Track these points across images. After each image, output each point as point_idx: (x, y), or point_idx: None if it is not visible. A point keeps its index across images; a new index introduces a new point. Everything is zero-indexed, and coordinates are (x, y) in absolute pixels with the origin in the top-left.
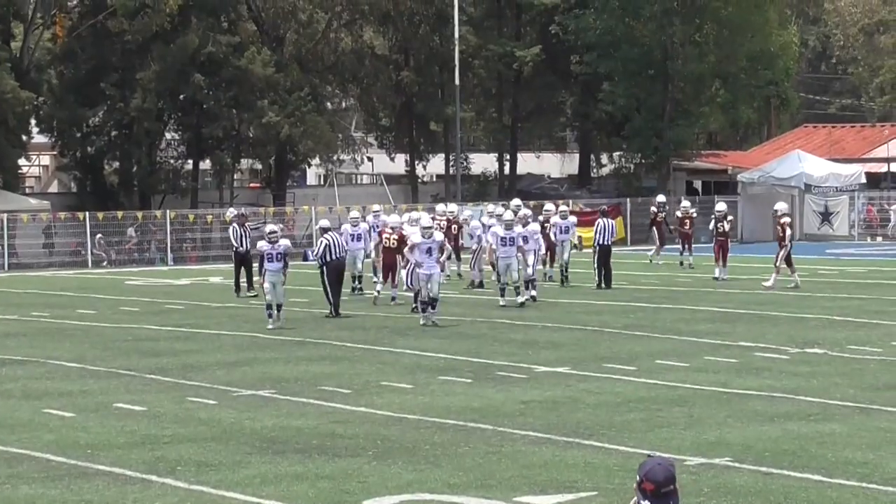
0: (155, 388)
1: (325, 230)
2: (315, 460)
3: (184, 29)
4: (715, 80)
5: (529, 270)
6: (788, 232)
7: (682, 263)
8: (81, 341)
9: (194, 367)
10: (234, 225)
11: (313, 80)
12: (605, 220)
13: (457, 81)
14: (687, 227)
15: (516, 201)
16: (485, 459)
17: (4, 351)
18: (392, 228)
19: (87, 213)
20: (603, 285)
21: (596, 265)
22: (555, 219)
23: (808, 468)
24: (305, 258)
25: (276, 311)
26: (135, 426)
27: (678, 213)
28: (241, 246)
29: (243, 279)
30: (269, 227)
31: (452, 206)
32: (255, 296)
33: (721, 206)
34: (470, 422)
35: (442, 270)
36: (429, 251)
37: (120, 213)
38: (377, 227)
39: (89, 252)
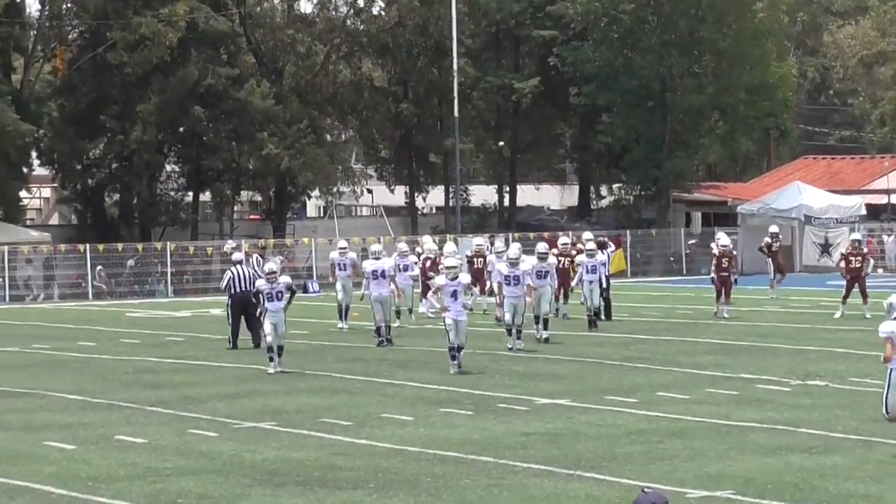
0: (156, 421)
1: (234, 263)
2: (316, 493)
3: (183, 61)
4: (713, 111)
5: (545, 307)
6: (872, 262)
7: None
8: (82, 373)
9: (195, 400)
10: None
11: (312, 113)
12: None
13: (456, 113)
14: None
15: (516, 249)
16: (486, 492)
17: (5, 383)
18: (429, 258)
19: (87, 245)
20: (603, 317)
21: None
22: (580, 258)
23: (811, 501)
24: (305, 290)
25: (276, 355)
26: (136, 458)
27: (714, 252)
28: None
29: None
30: (267, 267)
31: (479, 240)
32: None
33: (725, 242)
34: (471, 454)
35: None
36: (454, 294)
37: (120, 245)
38: (342, 264)
39: (90, 284)
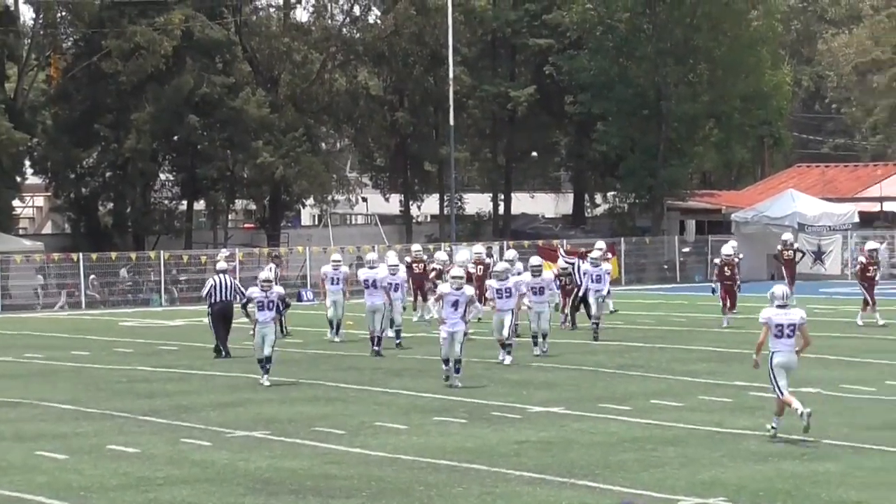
0: (149, 430)
1: (217, 271)
2: (309, 501)
3: (178, 70)
4: (708, 119)
5: (545, 325)
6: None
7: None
8: (75, 383)
9: (188, 409)
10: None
11: (308, 121)
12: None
13: (451, 122)
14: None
15: (503, 264)
16: (479, 500)
17: None
18: (435, 269)
19: (80, 255)
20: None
21: (572, 307)
22: (585, 266)
23: None
24: (300, 298)
25: (268, 366)
26: (128, 468)
27: (717, 261)
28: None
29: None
30: (262, 275)
31: (479, 248)
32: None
33: (728, 251)
34: (464, 462)
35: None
36: (455, 305)
37: (114, 254)
38: (335, 278)
39: (83, 293)
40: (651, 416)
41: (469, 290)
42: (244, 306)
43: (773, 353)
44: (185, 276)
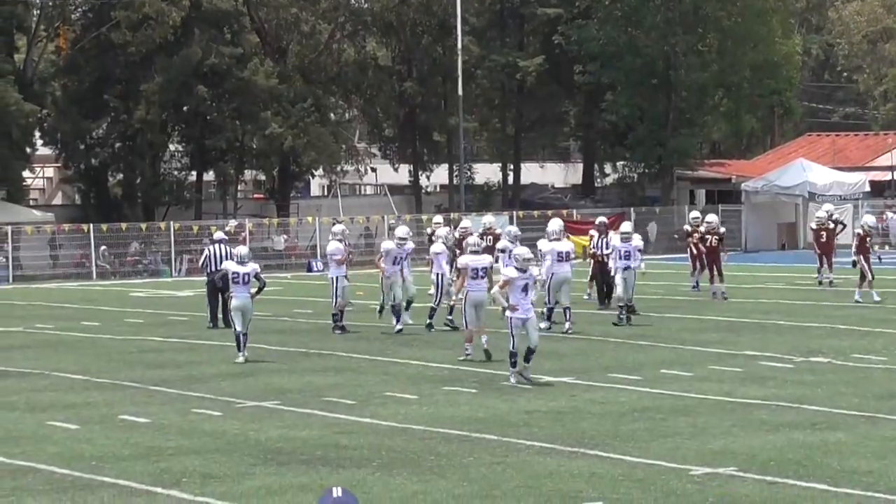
0: (159, 400)
1: (213, 241)
2: (319, 471)
3: (187, 41)
4: (718, 89)
5: (565, 299)
6: None
7: (820, 283)
8: (86, 353)
9: (198, 379)
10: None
11: (316, 91)
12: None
13: (460, 92)
14: (824, 239)
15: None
16: (490, 470)
17: (9, 363)
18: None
19: (91, 225)
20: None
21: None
22: (615, 241)
23: (814, 477)
24: (309, 269)
25: (243, 343)
26: (139, 438)
27: (812, 225)
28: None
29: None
30: (238, 249)
31: (490, 218)
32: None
33: (872, 220)
34: (475, 432)
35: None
36: (525, 289)
37: (124, 225)
38: (398, 258)
39: (94, 264)
40: (661, 385)
41: (535, 270)
42: (221, 279)
43: (468, 291)
44: (196, 247)
